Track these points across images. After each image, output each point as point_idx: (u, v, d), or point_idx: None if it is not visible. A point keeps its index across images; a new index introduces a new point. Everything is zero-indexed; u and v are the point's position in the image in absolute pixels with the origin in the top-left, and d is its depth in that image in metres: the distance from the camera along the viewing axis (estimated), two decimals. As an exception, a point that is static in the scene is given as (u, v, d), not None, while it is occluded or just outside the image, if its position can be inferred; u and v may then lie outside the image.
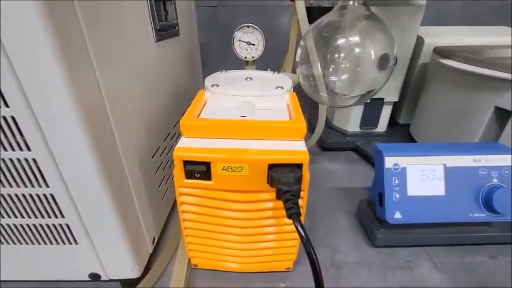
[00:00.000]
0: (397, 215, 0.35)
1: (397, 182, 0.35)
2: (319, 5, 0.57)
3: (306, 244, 0.20)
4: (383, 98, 0.62)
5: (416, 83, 0.66)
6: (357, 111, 0.64)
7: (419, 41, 0.61)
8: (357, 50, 0.40)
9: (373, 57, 0.40)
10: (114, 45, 0.27)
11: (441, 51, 0.54)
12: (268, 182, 0.26)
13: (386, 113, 0.65)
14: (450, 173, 0.35)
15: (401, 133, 0.70)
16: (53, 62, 0.19)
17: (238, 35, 0.45)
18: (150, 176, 0.36)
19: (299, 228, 0.20)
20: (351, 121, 0.65)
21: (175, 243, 0.38)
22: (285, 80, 0.39)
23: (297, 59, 0.43)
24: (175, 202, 0.48)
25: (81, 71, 0.22)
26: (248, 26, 0.44)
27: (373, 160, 0.60)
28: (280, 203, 0.28)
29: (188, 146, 0.26)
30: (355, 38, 0.40)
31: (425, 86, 0.61)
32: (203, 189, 0.28)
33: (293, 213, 0.21)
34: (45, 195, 0.26)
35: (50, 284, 0.33)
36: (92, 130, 0.23)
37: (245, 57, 0.46)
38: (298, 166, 0.26)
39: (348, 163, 0.63)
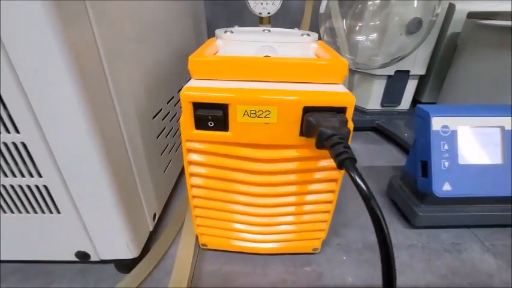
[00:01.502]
0: (446, 187, 0.29)
1: (446, 147, 0.29)
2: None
3: (369, 199, 0.14)
4: (409, 71, 0.56)
5: (444, 54, 0.60)
6: (379, 87, 0.58)
7: (450, 8, 0.55)
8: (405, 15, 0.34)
9: (418, 13, 0.34)
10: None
11: (478, 15, 0.48)
12: (302, 133, 0.21)
13: (410, 88, 0.59)
14: (509, 138, 0.29)
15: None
16: None
17: (252, -16, 0.39)
18: (151, 140, 0.30)
19: (357, 179, 0.15)
20: (371, 98, 0.59)
21: (181, 220, 0.33)
22: (309, 32, 0.34)
23: (321, 10, 0.37)
24: (180, 175, 0.42)
25: (72, 16, 0.17)
26: (264, -26, 0.38)
27: (394, 138, 0.55)
28: (313, 164, 0.23)
29: (199, 85, 0.21)
30: None
31: (457, 57, 0.55)
32: (217, 143, 0.22)
33: (346, 158, 0.15)
34: (14, 144, 0.20)
35: (32, 267, 0.28)
36: (81, 72, 0.18)
37: (260, 13, 0.40)
38: (341, 111, 0.20)
39: (368, 143, 0.57)
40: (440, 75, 0.61)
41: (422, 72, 0.57)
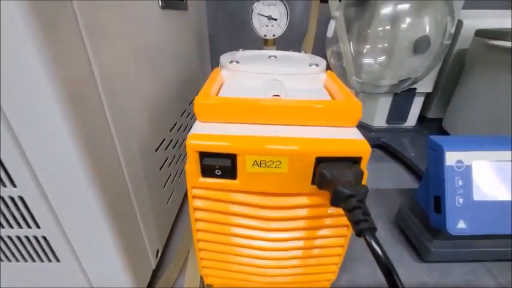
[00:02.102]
0: (461, 225, 0.28)
1: (460, 183, 0.28)
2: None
3: (391, 274, 0.13)
4: (415, 89, 0.55)
5: (451, 71, 0.59)
6: (384, 104, 0.57)
7: (457, 24, 0.55)
8: (408, 19, 0.33)
9: (427, 30, 0.33)
10: (111, 15, 0.20)
11: (487, 33, 0.47)
12: (314, 182, 0.20)
13: (417, 105, 0.58)
14: (526, 173, 0.28)
15: (432, 128, 0.63)
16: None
17: (257, 7, 0.38)
18: (154, 174, 0.29)
19: (378, 251, 0.14)
20: (377, 115, 0.58)
21: (184, 255, 0.31)
22: (316, 58, 0.33)
23: (329, 34, 0.36)
24: (182, 203, 0.41)
25: (67, 37, 0.16)
26: (270, -3, 0.37)
27: (401, 157, 0.54)
28: (325, 210, 0.22)
29: (206, 132, 0.20)
30: (406, 6, 0.33)
31: (465, 74, 0.54)
32: (225, 191, 0.21)
33: (366, 228, 0.14)
34: (11, 198, 0.19)
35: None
36: (76, 108, 0.17)
37: (264, 35, 0.39)
38: (354, 160, 0.19)
39: (374, 161, 0.56)
40: (447, 91, 0.60)
41: (429, 89, 0.56)
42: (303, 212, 0.22)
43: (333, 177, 0.18)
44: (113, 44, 0.21)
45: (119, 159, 0.23)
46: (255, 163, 0.19)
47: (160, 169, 0.31)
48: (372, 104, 0.57)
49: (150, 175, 0.28)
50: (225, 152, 0.19)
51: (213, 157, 0.19)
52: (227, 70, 0.29)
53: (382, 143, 0.58)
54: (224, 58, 0.30)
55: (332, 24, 0.36)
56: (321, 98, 0.24)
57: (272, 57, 0.33)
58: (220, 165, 0.19)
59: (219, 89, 0.26)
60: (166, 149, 0.33)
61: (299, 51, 0.35)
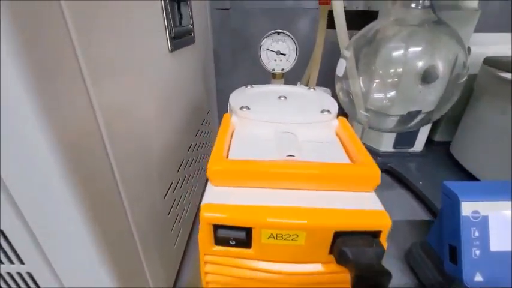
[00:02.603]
0: (478, 278, 0.27)
1: (476, 234, 0.27)
2: (354, 9, 0.50)
3: None
4: (421, 111, 0.54)
5: (460, 96, 0.58)
6: (390, 120, 0.56)
7: (465, 50, 0.54)
8: (420, 63, 0.33)
9: (440, 71, 0.33)
10: (116, 60, 0.20)
11: (496, 63, 0.47)
12: (332, 254, 0.19)
13: (425, 130, 0.57)
14: (544, 223, 0.27)
15: (439, 152, 0.62)
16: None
17: (266, 43, 0.37)
18: (162, 220, 0.29)
19: None
20: (384, 140, 0.58)
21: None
22: (327, 99, 0.32)
23: (339, 73, 0.35)
24: (188, 241, 0.40)
25: (65, 78, 0.15)
26: (278, 33, 0.36)
27: (409, 184, 0.53)
28: (343, 276, 0.21)
29: (220, 202, 0.19)
30: (418, 49, 0.32)
31: (473, 100, 0.54)
32: (238, 258, 0.20)
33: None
34: (19, 274, 0.18)
35: None
36: (76, 164, 0.16)
37: (273, 70, 0.39)
38: (375, 233, 0.18)
39: (381, 187, 0.56)
40: (455, 115, 0.59)
41: (431, 108, 0.55)
42: (319, 278, 0.21)
43: (354, 257, 0.17)
44: (116, 86, 0.21)
45: (126, 213, 0.22)
46: (271, 236, 0.18)
47: (169, 213, 0.31)
48: (378, 119, 0.57)
49: (157, 223, 0.28)
50: (241, 226, 0.18)
51: (228, 229, 0.19)
52: (237, 117, 0.28)
53: (389, 168, 0.57)
54: (233, 100, 0.30)
55: (342, 64, 0.35)
56: (336, 155, 0.24)
57: (282, 98, 0.32)
58: (235, 237, 0.19)
59: (231, 138, 0.26)
60: (174, 191, 0.32)
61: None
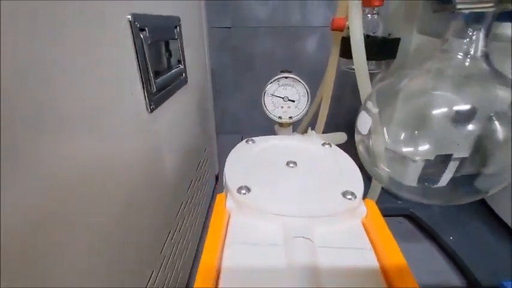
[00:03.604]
0: None
1: None
2: (371, 35, 0.44)
3: None
4: (451, 155, 0.47)
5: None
6: (414, 171, 0.49)
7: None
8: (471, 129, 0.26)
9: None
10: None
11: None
12: None
13: (451, 169, 0.50)
14: None
15: (465, 186, 0.54)
16: None
17: (271, 88, 0.31)
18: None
19: None
20: (405, 181, 0.51)
21: None
22: (348, 167, 0.25)
23: (362, 130, 0.29)
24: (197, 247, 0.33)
25: None
26: (286, 77, 0.30)
27: (435, 237, 0.46)
28: None
29: None
30: (466, 107, 0.26)
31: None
32: None
33: None
34: None
35: None
36: None
37: (279, 118, 0.32)
38: None
39: (402, 238, 0.49)
40: (482, 149, 0.52)
41: (466, 154, 0.48)
42: None
43: None
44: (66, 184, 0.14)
45: None
46: None
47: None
48: (400, 170, 0.50)
49: None
50: None
51: None
52: (235, 202, 0.22)
53: (411, 214, 0.50)
54: (230, 176, 0.23)
55: (366, 121, 0.29)
56: (368, 277, 0.17)
57: (291, 165, 0.26)
58: None
59: (225, 236, 0.19)
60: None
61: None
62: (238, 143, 0.27)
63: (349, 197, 0.22)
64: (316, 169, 0.25)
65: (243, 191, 0.22)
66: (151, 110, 0.23)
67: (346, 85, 0.81)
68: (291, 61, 0.77)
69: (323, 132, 0.47)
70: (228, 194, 0.22)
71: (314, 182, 0.23)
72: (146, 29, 0.22)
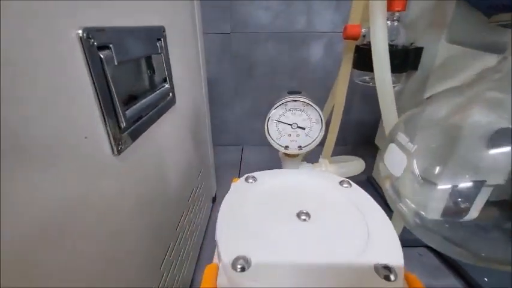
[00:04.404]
0: None
1: None
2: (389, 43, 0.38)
3: None
4: (484, 180, 0.41)
5: None
6: (440, 198, 0.43)
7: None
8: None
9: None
10: None
11: None
12: None
13: (483, 197, 0.44)
14: None
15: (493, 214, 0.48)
16: None
17: (276, 113, 0.25)
18: None
19: None
20: (430, 209, 0.44)
21: None
22: (380, 221, 0.20)
23: (394, 172, 0.23)
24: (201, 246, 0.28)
25: None
26: (295, 100, 0.24)
27: (465, 275, 0.40)
28: None
29: None
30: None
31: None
32: None
33: None
34: None
35: None
36: None
37: (286, 147, 0.27)
38: None
39: (425, 274, 0.42)
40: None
41: (501, 180, 0.42)
42: None
43: None
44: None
45: None
46: None
47: None
48: (424, 195, 0.44)
49: None
50: None
51: None
52: (228, 282, 0.16)
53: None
54: (224, 245, 0.17)
55: (400, 161, 0.23)
56: None
57: (303, 217, 0.20)
58: None
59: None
60: None
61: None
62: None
63: (386, 273, 0.16)
64: (336, 225, 0.19)
65: (240, 266, 0.16)
66: (119, 152, 0.18)
67: (355, 93, 0.75)
68: (295, 69, 0.72)
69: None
70: (220, 267, 0.17)
71: (335, 247, 0.18)
72: (111, 46, 0.16)
